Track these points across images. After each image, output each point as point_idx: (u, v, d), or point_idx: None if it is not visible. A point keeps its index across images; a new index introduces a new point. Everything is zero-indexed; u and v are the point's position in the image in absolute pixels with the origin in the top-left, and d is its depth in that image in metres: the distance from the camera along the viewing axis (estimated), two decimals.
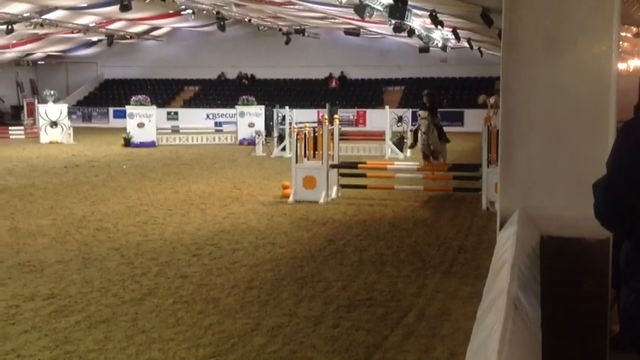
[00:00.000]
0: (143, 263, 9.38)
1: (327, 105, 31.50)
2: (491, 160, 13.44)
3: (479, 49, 35.18)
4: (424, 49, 35.81)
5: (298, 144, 14.98)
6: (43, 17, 31.93)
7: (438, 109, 16.98)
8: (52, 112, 31.80)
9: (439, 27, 23.89)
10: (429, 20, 22.63)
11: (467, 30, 25.44)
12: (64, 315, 7.16)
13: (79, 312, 7.27)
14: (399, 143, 24.07)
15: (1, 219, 12.62)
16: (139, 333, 6.64)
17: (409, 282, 8.38)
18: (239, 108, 31.12)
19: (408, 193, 15.02)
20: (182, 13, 32.96)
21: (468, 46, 33.50)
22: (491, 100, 25.02)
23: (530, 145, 3.84)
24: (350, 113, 38.84)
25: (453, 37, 28.89)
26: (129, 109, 30.07)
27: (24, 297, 7.79)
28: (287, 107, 26.23)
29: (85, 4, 29.86)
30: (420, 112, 15.34)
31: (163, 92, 45.45)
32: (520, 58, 3.84)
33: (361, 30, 37.13)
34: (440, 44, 34.58)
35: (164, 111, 40.12)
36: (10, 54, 42.67)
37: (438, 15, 21.07)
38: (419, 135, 15.43)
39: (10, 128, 35.55)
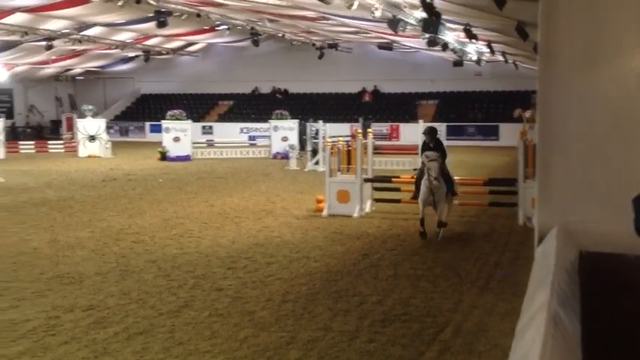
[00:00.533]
0: (179, 276, 9.50)
1: (360, 119, 31.55)
2: (527, 174, 13.32)
3: (514, 62, 34.94)
4: (458, 63, 35.69)
5: (332, 158, 15.04)
6: (81, 34, 32.63)
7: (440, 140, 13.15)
8: (91, 126, 32.45)
9: (473, 41, 23.81)
10: (463, 34, 22.60)
11: (501, 43, 25.30)
12: (102, 326, 7.29)
13: (118, 323, 7.39)
14: None
15: (41, 231, 12.90)
16: (175, 345, 6.72)
17: (445, 297, 8.33)
18: (273, 122, 31.36)
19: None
20: (217, 28, 33.39)
21: (502, 59, 33.29)
22: (527, 113, 24.45)
23: (568, 159, 3.82)
24: (383, 127, 38.82)
25: (488, 50, 28.78)
26: (165, 123, 30.53)
27: (64, 308, 7.95)
28: (320, 121, 26.34)
29: (123, 21, 30.46)
30: (429, 153, 11.64)
31: (198, 107, 45.99)
32: (557, 71, 3.83)
33: (394, 44, 37.18)
34: (474, 58, 34.42)
35: (199, 125, 40.58)
36: (50, 69, 43.67)
37: (472, 29, 21.02)
38: (425, 181, 11.64)
39: (49, 142, 36.36)
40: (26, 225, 13.64)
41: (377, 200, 15.09)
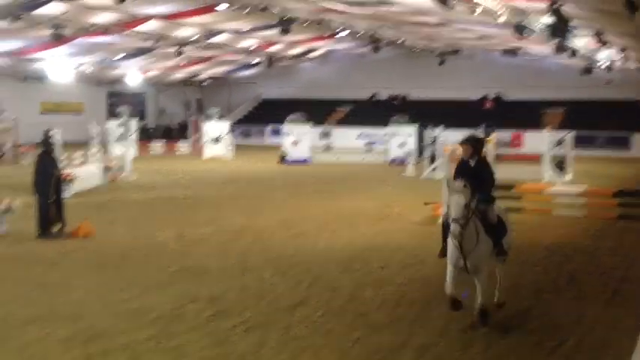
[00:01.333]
0: (296, 275, 9.70)
1: (481, 126, 30.85)
2: None
3: None
4: (587, 70, 34.10)
5: (450, 165, 14.82)
6: (209, 40, 34.05)
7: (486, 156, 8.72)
8: (215, 129, 33.82)
9: (604, 47, 22.73)
10: (593, 40, 21.63)
11: (636, 50, 23.97)
12: (223, 318, 7.61)
13: (237, 316, 7.68)
14: (559, 167, 23.05)
15: (170, 226, 13.57)
16: (291, 340, 6.90)
17: (567, 310, 8.00)
18: (390, 128, 31.32)
19: (567, 219, 14.31)
20: (337, 35, 33.79)
21: (637, 66, 31.51)
22: None
23: None
24: (505, 135, 37.71)
25: (620, 57, 27.34)
26: (285, 127, 31.25)
27: (189, 298, 8.36)
28: (439, 128, 26.00)
29: (248, 28, 31.50)
30: (454, 183, 7.20)
31: (317, 112, 46.65)
32: None
33: (519, 50, 36.09)
34: (605, 65, 32.78)
35: (318, 130, 41.16)
36: (179, 75, 45.86)
37: (603, 35, 20.08)
38: (451, 232, 7.10)
39: (177, 143, 38.25)
40: (155, 220, 14.42)
41: None
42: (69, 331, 7.10)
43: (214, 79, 49.10)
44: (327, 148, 33.70)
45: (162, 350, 6.58)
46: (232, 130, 36.72)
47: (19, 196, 13.58)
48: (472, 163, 7.69)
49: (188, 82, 49.14)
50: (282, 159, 30.27)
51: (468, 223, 6.95)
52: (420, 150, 28.32)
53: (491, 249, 7.30)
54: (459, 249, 7.02)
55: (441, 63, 40.93)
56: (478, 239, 7.07)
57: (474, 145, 7.82)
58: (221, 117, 35.83)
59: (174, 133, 46.77)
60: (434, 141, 25.61)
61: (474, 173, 7.39)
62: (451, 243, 7.13)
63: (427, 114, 40.01)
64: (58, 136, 18.31)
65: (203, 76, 47.88)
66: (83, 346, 6.67)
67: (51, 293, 8.62)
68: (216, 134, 33.57)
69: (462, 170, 7.54)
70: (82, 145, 26.47)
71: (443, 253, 7.56)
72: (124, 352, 6.52)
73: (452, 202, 6.98)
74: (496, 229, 7.43)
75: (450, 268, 7.25)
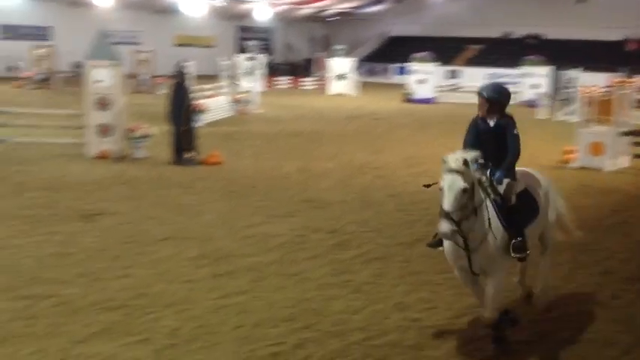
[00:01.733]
0: (416, 211, 9.67)
1: (622, 69, 28.86)
2: None
3: None
4: None
5: (587, 108, 14.05)
6: None
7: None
8: (340, 65, 33.79)
9: None
10: None
11: None
12: (343, 248, 7.76)
13: (357, 247, 7.80)
14: None
15: (293, 159, 13.88)
16: (410, 274, 6.93)
17: None
18: (523, 68, 29.99)
19: None
20: None
21: None
22: None
23: None
24: None
25: None
26: (411, 65, 30.71)
27: (310, 228, 8.58)
28: (577, 69, 24.58)
29: None
30: (453, 156, 4.88)
31: (445, 50, 45.44)
32: None
33: None
34: None
35: (445, 69, 40.13)
36: (306, 10, 45.94)
37: None
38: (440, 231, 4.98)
39: (302, 79, 38.66)
40: (279, 153, 14.77)
41: (637, 156, 13.86)
42: (198, 251, 7.50)
43: (341, 14, 48.80)
44: (454, 88, 32.83)
45: (285, 274, 6.82)
46: (357, 67, 36.55)
47: (155, 124, 14.29)
48: (491, 123, 5.44)
49: (314, 18, 49.20)
50: (407, 97, 29.89)
51: (470, 217, 4.86)
52: (555, 92, 26.99)
53: (507, 242, 5.15)
54: (465, 247, 5.02)
55: (580, 0, 38.38)
56: (487, 232, 5.01)
57: (494, 98, 5.40)
58: (347, 54, 35.68)
59: (300, 68, 47.24)
60: (569, 83, 24.30)
61: (494, 138, 5.38)
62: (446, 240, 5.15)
63: (564, 55, 37.98)
64: (191, 68, 19.00)
65: (330, 11, 47.72)
66: (211, 266, 7.03)
67: (183, 215, 9.11)
68: (341, 71, 33.55)
69: (477, 134, 5.44)
70: (213, 77, 27.35)
71: (434, 243, 5.59)
72: (248, 273, 6.81)
73: (445, 184, 4.80)
74: (517, 214, 5.26)
75: (457, 273, 5.48)
